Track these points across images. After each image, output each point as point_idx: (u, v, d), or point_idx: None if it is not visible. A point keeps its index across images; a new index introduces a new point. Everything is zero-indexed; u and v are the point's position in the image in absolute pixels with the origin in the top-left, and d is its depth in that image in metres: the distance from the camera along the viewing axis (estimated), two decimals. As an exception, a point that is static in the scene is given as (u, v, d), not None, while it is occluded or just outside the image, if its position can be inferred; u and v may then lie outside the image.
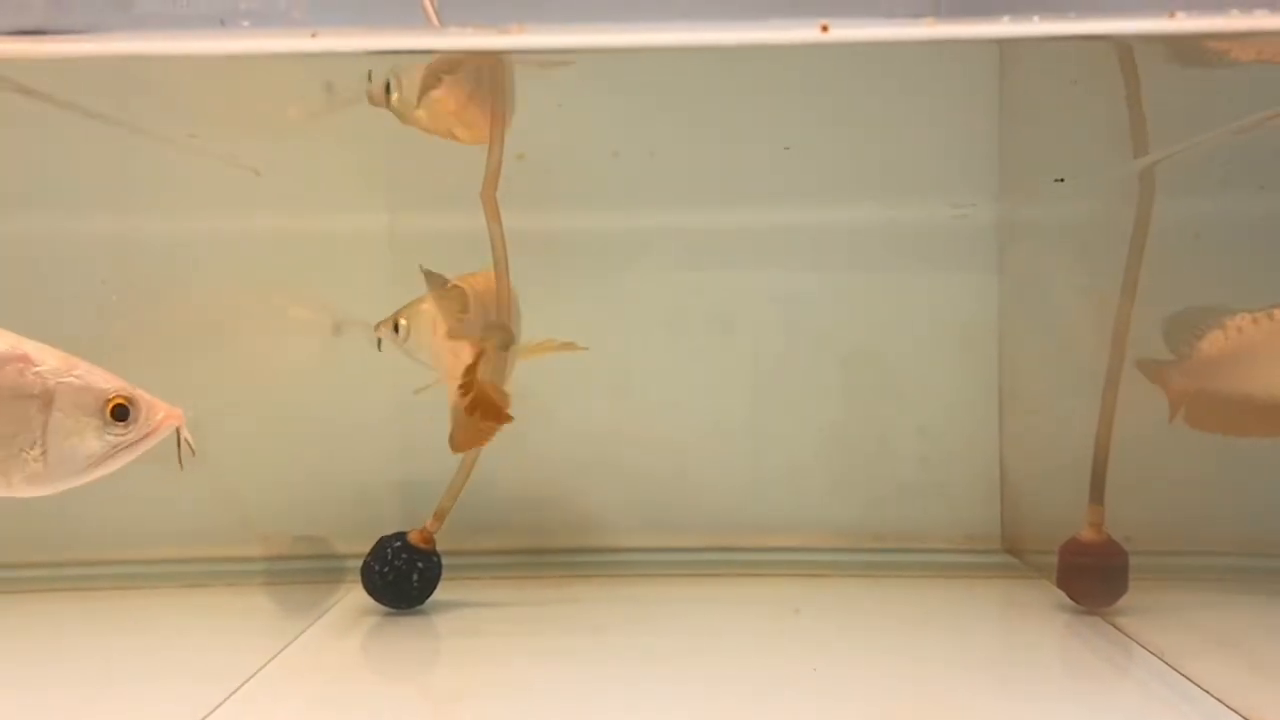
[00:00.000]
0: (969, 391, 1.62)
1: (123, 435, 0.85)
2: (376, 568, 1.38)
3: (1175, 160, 1.23)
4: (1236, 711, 1.01)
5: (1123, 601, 1.31)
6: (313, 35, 0.75)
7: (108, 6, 0.79)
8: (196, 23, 0.85)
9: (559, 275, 1.56)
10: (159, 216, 1.49)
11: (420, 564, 1.38)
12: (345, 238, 1.57)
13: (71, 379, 0.84)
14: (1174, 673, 1.13)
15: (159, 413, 0.87)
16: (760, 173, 1.59)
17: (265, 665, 1.18)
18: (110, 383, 0.86)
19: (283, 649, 1.24)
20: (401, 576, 1.38)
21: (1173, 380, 1.23)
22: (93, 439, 0.84)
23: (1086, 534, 1.31)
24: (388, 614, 1.38)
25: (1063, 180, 1.40)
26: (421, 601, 1.40)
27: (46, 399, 0.83)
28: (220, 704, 1.06)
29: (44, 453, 0.83)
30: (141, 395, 0.86)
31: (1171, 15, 0.68)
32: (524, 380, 1.38)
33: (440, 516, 1.40)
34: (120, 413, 0.85)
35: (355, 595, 1.41)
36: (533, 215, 1.42)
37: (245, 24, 1.02)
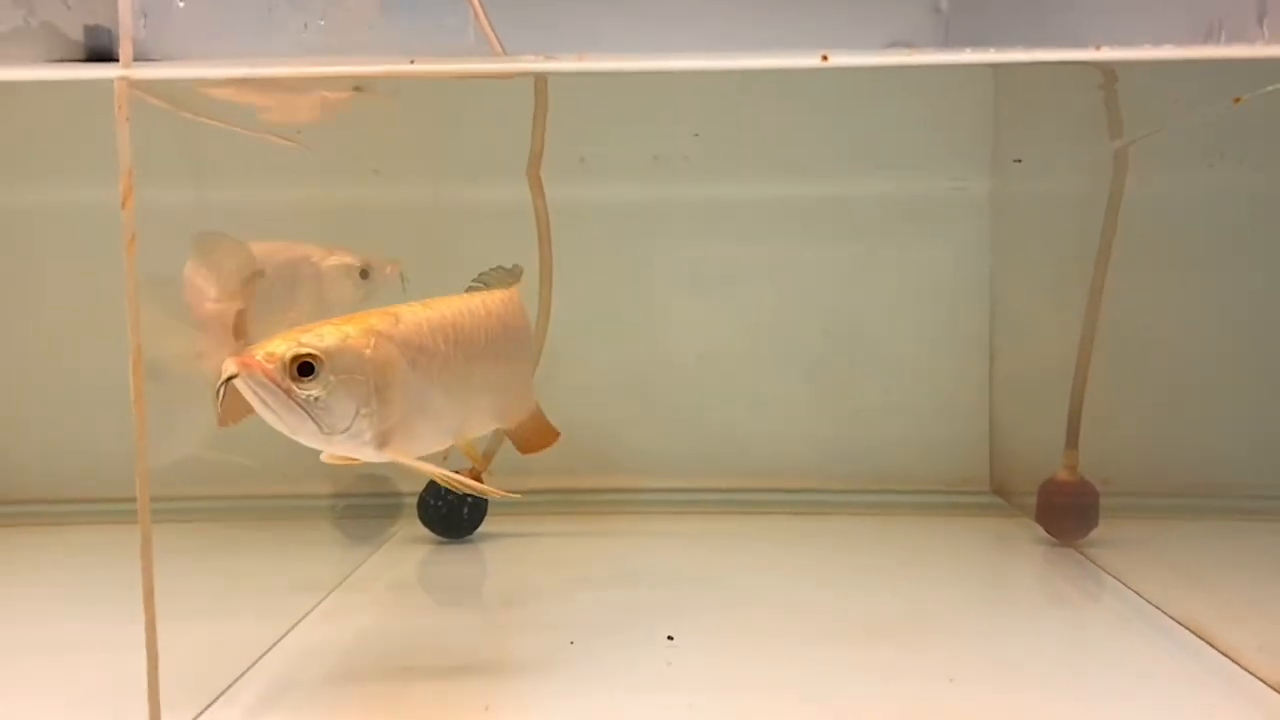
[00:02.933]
0: (963, 347, 1.77)
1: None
2: (431, 502, 1.55)
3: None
4: (1189, 629, 1.17)
5: (1094, 535, 1.47)
6: (411, 62, 0.88)
7: (251, 34, 0.95)
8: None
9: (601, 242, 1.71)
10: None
11: (470, 499, 1.55)
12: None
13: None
14: (1136, 596, 1.28)
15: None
16: (787, 152, 1.74)
17: (335, 588, 1.35)
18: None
19: (350, 573, 1.41)
20: (453, 510, 1.55)
21: None
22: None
23: (1062, 475, 1.47)
24: (441, 543, 1.56)
25: (1020, 161, 1.54)
26: (471, 532, 1.57)
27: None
28: (297, 622, 1.22)
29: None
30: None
31: (1097, 48, 0.83)
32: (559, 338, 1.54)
33: (488, 457, 1.56)
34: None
35: (412, 526, 1.58)
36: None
37: (321, 22, 1.18)
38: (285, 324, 1.19)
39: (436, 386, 1.01)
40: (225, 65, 0.90)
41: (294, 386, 0.89)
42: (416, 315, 1.01)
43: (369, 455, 0.97)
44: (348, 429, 0.92)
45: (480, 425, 1.15)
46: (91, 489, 1.67)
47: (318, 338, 0.91)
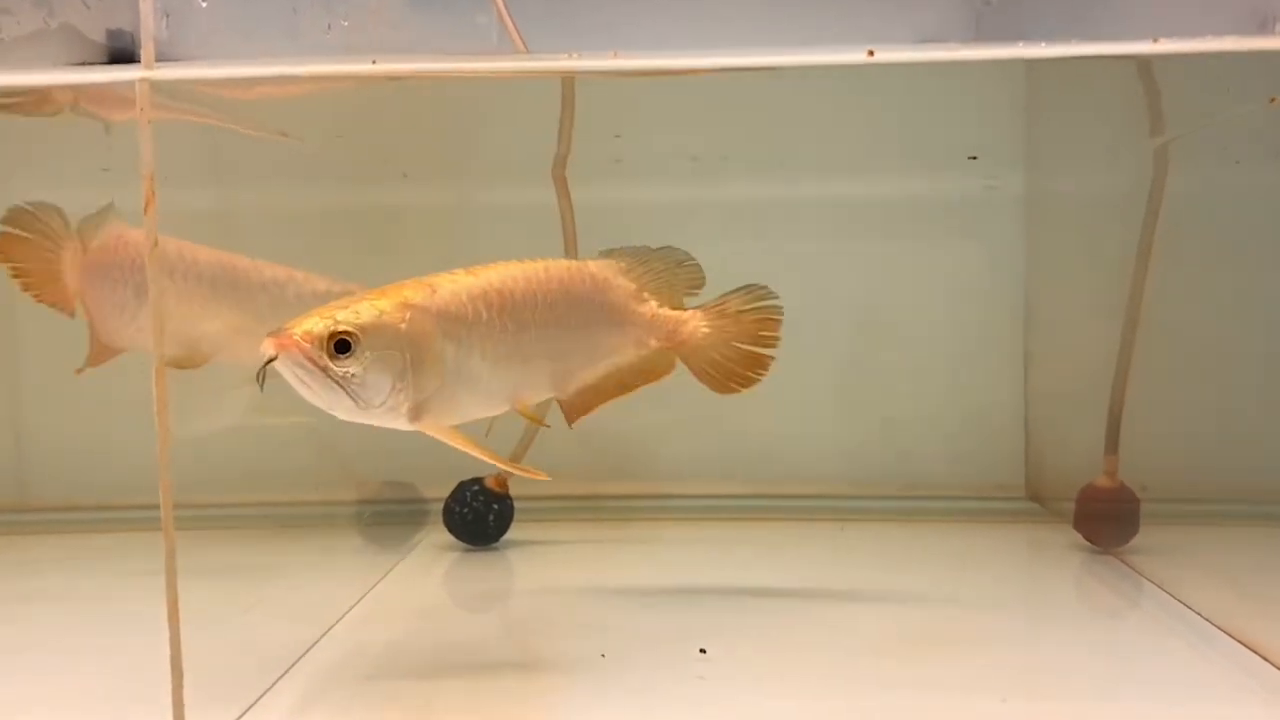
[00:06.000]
0: (997, 349, 1.74)
1: None
2: (457, 509, 1.53)
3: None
4: (1230, 635, 1.14)
5: (1134, 542, 1.43)
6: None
7: (280, 36, 0.93)
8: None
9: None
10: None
11: (496, 506, 1.53)
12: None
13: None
14: (1177, 603, 1.26)
15: None
16: (817, 152, 1.72)
17: (365, 595, 1.33)
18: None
19: (377, 582, 1.39)
20: (479, 517, 1.53)
21: None
22: None
23: (1102, 481, 1.44)
24: (466, 550, 1.54)
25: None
26: (497, 539, 1.55)
27: None
28: (325, 632, 1.20)
29: None
30: None
31: (1155, 40, 0.81)
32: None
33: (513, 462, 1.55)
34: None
35: (438, 533, 1.56)
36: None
37: (345, 23, 1.16)
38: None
39: (478, 356, 1.01)
40: (246, 65, 0.88)
41: (330, 365, 0.91)
42: (456, 284, 1.00)
43: (402, 426, 0.98)
44: (383, 403, 0.94)
45: (536, 392, 1.12)
46: (119, 494, 1.66)
47: (354, 314, 0.92)
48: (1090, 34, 1.27)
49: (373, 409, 0.94)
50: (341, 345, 0.91)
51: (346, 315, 0.92)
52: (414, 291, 0.97)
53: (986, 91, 1.69)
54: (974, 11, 1.52)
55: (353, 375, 0.92)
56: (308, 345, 0.90)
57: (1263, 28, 0.93)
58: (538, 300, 1.05)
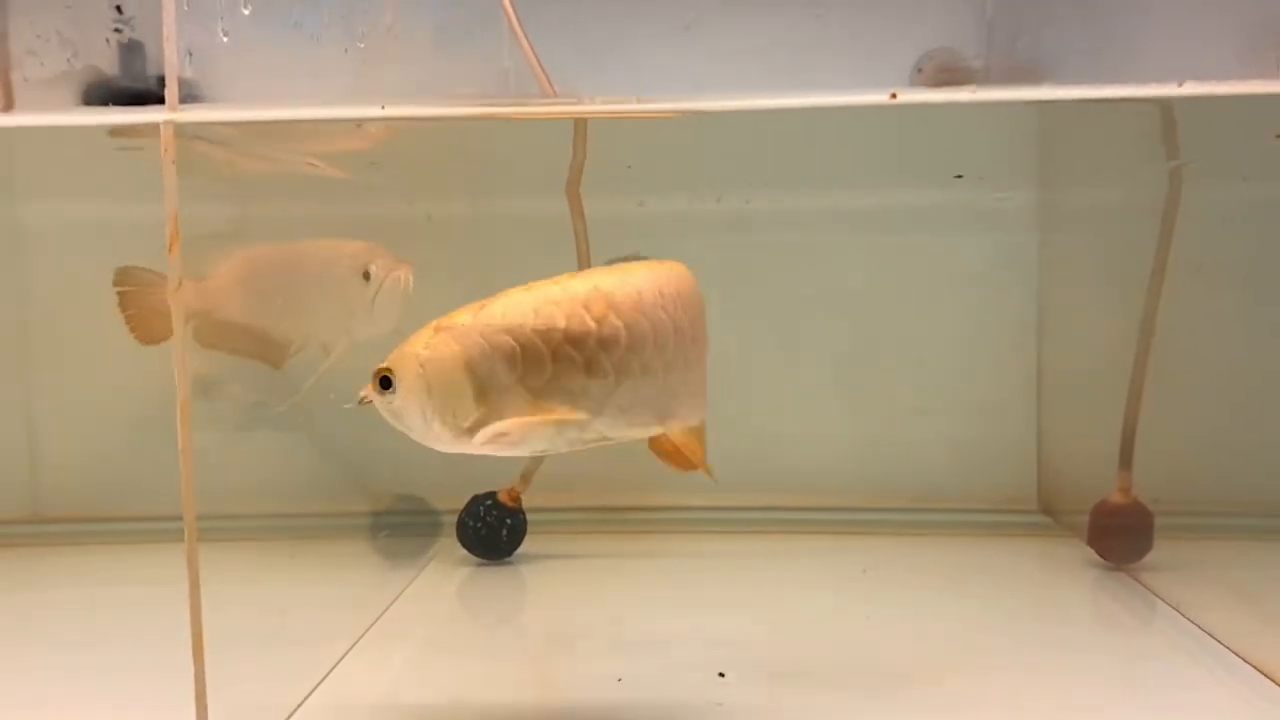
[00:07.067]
0: (1009, 361, 1.74)
1: None
2: (470, 523, 1.54)
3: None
4: (1245, 659, 1.14)
5: (1148, 559, 1.43)
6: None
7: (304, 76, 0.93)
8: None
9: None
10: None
11: (509, 520, 1.53)
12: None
13: None
14: (1190, 624, 1.26)
15: None
16: (830, 164, 1.72)
17: (381, 615, 1.33)
18: None
19: (394, 599, 1.39)
20: (492, 531, 1.53)
21: None
22: None
23: (1116, 497, 1.44)
24: (480, 564, 1.54)
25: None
26: (510, 553, 1.55)
27: None
28: (348, 650, 1.22)
29: None
30: None
31: (1180, 84, 0.80)
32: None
33: (526, 478, 1.55)
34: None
35: (451, 548, 1.56)
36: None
37: (361, 45, 1.16)
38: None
39: (547, 374, 0.91)
40: (271, 108, 0.89)
41: (378, 400, 0.92)
42: (513, 299, 0.92)
43: (472, 450, 0.93)
44: (425, 432, 0.92)
45: (639, 424, 1.00)
46: (131, 507, 1.67)
47: (398, 350, 0.92)
48: (1102, 41, 1.27)
49: (428, 438, 0.93)
50: (385, 381, 0.92)
51: (395, 351, 0.93)
52: (467, 310, 0.92)
53: (999, 107, 1.68)
54: (984, 18, 1.51)
55: (396, 407, 0.92)
56: (371, 385, 0.92)
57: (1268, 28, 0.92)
58: (644, 312, 0.94)
